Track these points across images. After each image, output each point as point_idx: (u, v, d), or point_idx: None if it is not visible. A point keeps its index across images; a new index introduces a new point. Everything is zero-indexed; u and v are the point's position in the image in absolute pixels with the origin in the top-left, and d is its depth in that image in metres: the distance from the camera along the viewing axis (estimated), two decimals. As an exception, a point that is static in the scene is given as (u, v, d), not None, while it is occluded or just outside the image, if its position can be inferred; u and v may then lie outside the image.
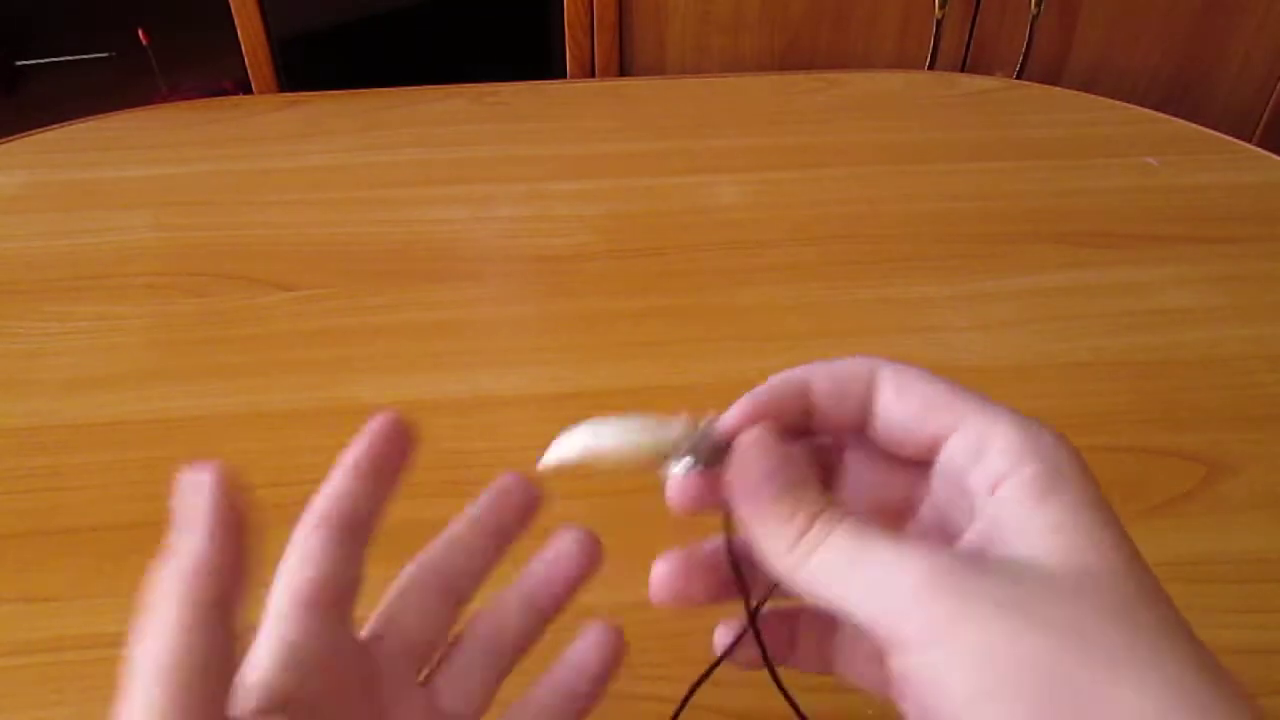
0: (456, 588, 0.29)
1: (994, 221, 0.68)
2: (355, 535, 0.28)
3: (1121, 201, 0.70)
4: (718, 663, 0.28)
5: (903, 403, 0.26)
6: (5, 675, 0.41)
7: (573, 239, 0.66)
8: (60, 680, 0.41)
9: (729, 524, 0.27)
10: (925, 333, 0.58)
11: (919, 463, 0.26)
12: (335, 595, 0.26)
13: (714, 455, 0.26)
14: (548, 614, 0.30)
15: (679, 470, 0.26)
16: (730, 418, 0.27)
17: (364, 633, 0.28)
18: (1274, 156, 0.75)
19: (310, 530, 0.28)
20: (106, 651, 0.42)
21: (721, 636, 0.28)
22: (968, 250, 0.65)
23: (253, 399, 0.54)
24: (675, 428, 0.26)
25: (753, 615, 0.27)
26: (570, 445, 0.28)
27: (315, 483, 0.49)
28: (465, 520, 0.30)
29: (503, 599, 0.30)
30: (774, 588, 0.27)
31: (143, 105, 0.84)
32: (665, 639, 0.40)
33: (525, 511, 0.31)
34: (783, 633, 0.28)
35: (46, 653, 0.42)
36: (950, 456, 0.25)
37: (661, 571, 0.27)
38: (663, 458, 0.26)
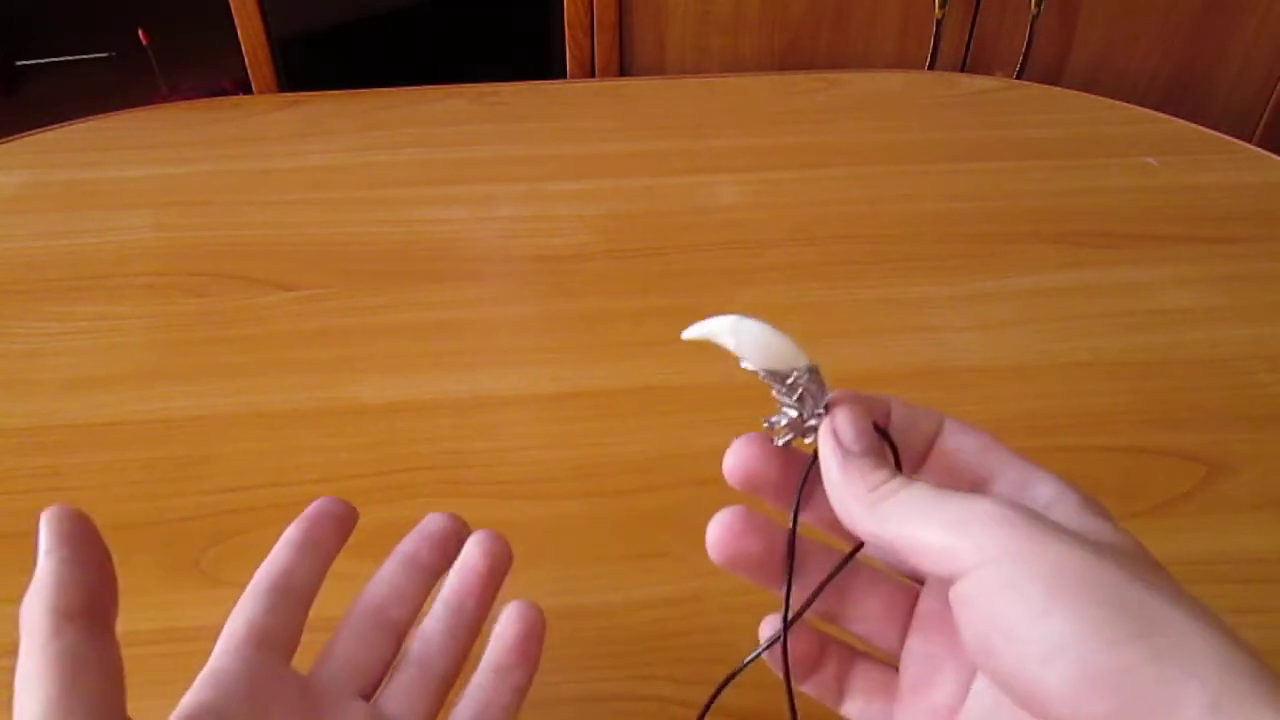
0: (385, 612, 0.32)
1: (994, 221, 0.68)
2: (292, 597, 0.31)
3: (1121, 201, 0.70)
4: (752, 658, 0.28)
5: (963, 438, 0.28)
6: (5, 675, 0.41)
7: (573, 239, 0.66)
8: (60, 680, 0.41)
9: (796, 513, 0.28)
10: (925, 333, 0.58)
11: None
12: (268, 637, 0.29)
13: (807, 429, 0.28)
14: (472, 619, 0.32)
15: (779, 441, 0.28)
16: (831, 396, 0.28)
17: (308, 671, 0.30)
18: (1274, 156, 0.75)
19: (252, 592, 0.31)
20: (106, 651, 0.42)
21: (765, 630, 0.29)
22: (968, 250, 0.65)
23: (253, 399, 0.54)
24: (803, 367, 0.28)
25: (788, 622, 0.28)
26: (719, 327, 0.30)
27: (315, 483, 0.49)
28: (395, 559, 0.33)
29: (431, 615, 0.32)
30: (817, 594, 0.28)
31: (143, 105, 0.84)
32: (665, 639, 0.40)
33: (449, 549, 0.34)
34: (813, 650, 0.29)
35: (46, 653, 0.42)
36: (1000, 489, 0.27)
37: (721, 526, 0.28)
38: (782, 383, 0.28)
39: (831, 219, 0.68)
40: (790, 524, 0.28)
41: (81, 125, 0.79)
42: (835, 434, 0.27)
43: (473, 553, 0.33)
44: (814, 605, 0.28)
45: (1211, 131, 0.78)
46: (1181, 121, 0.80)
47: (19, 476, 0.49)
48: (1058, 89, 0.86)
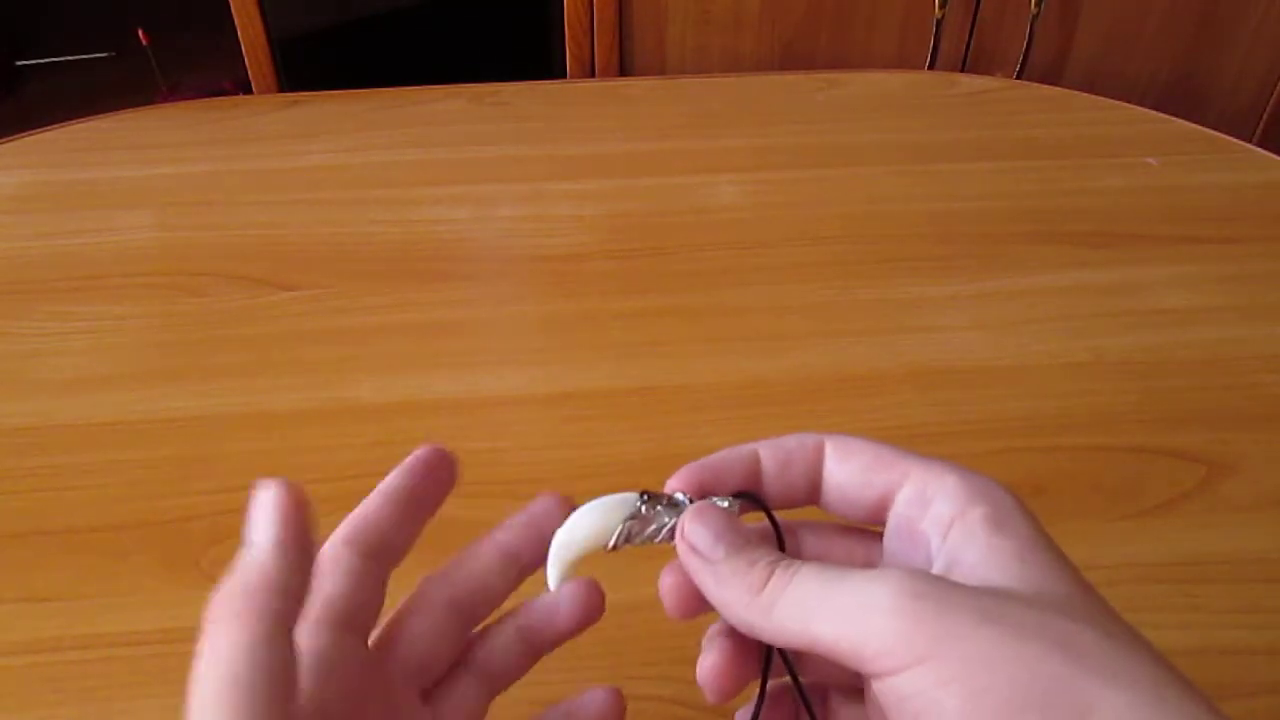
0: (469, 608, 0.29)
1: (994, 221, 0.68)
2: (382, 562, 0.28)
3: (1122, 201, 0.70)
4: None
5: (847, 466, 0.26)
6: (5, 675, 0.41)
7: (573, 239, 0.66)
8: (60, 680, 0.41)
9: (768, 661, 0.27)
10: (925, 333, 0.58)
11: (872, 530, 0.27)
12: (353, 617, 0.27)
13: (664, 532, 0.27)
14: (540, 653, 0.30)
15: (610, 545, 0.27)
16: (675, 482, 0.27)
17: (374, 638, 0.28)
18: (1274, 156, 0.75)
19: (338, 547, 0.28)
20: (106, 651, 0.42)
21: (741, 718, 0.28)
22: (968, 250, 0.65)
23: (253, 399, 0.54)
24: (629, 505, 0.27)
25: (761, 698, 0.27)
26: (560, 561, 0.28)
27: (315, 482, 0.49)
28: (488, 541, 0.30)
29: (502, 630, 0.30)
30: (762, 700, 0.27)
31: (143, 105, 0.84)
32: (665, 639, 0.40)
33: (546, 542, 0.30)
34: (789, 711, 0.28)
35: (46, 653, 0.42)
36: (899, 511, 0.26)
37: (709, 672, 0.27)
38: (640, 525, 0.27)
39: (831, 219, 0.68)
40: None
41: (81, 125, 0.79)
42: (693, 549, 0.25)
43: (570, 600, 0.29)
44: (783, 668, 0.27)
45: (1211, 131, 0.78)
46: (1181, 121, 0.80)
47: (19, 476, 0.49)
48: (1058, 89, 0.86)
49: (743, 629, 0.24)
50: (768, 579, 0.24)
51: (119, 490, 0.49)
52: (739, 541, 0.25)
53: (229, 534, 0.47)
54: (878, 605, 0.21)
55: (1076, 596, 0.22)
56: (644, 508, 0.27)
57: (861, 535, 0.28)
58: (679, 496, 0.27)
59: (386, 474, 0.50)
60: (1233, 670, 0.41)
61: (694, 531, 0.25)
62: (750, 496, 0.27)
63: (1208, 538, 0.47)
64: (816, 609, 0.23)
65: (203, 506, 0.48)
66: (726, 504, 0.27)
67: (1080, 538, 0.46)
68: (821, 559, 0.28)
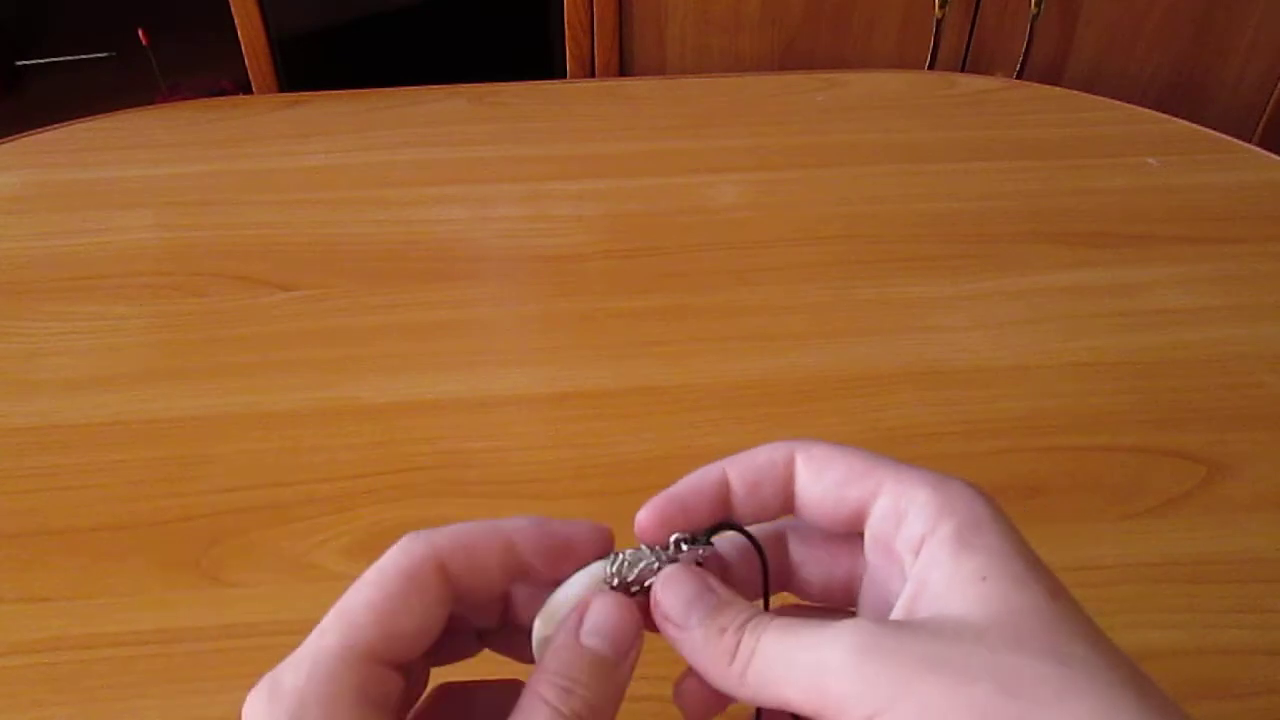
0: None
1: (994, 221, 0.68)
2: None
3: (1121, 201, 0.70)
4: None
5: (820, 481, 0.26)
6: (5, 675, 0.41)
7: (573, 239, 0.66)
8: (60, 680, 0.41)
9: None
10: (925, 333, 0.58)
11: (853, 537, 0.27)
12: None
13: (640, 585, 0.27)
14: None
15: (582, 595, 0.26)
16: (643, 517, 0.27)
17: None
18: (1274, 156, 0.75)
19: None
20: (106, 651, 0.42)
21: None
22: (968, 250, 0.65)
23: (253, 399, 0.54)
24: (597, 579, 0.27)
25: None
26: (543, 628, 0.27)
27: (315, 482, 0.49)
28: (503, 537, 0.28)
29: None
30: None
31: (143, 105, 0.84)
32: (665, 638, 0.40)
33: None
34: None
35: (46, 653, 0.42)
36: (875, 525, 0.26)
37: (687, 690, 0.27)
38: (621, 579, 0.27)
39: (831, 219, 0.68)
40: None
41: (81, 125, 0.79)
42: (666, 619, 0.25)
43: None
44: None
45: (1211, 131, 0.78)
46: (1181, 121, 0.80)
47: (19, 476, 0.49)
48: (1058, 89, 0.86)
49: (728, 694, 0.25)
50: (736, 647, 0.24)
51: (119, 490, 0.49)
52: (710, 606, 0.25)
53: (229, 534, 0.47)
54: (831, 666, 0.22)
55: (1037, 615, 0.22)
56: (613, 573, 0.26)
57: (845, 540, 0.28)
58: (644, 552, 0.27)
59: (386, 473, 0.50)
60: (1233, 670, 0.41)
61: (666, 601, 0.26)
62: (731, 527, 0.27)
63: (1208, 538, 0.47)
64: (781, 674, 0.23)
65: (203, 506, 0.48)
66: (702, 549, 0.27)
67: (1080, 538, 0.46)
68: (804, 567, 0.28)
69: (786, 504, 0.27)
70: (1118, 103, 0.83)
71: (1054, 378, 0.55)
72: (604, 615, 0.26)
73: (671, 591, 0.26)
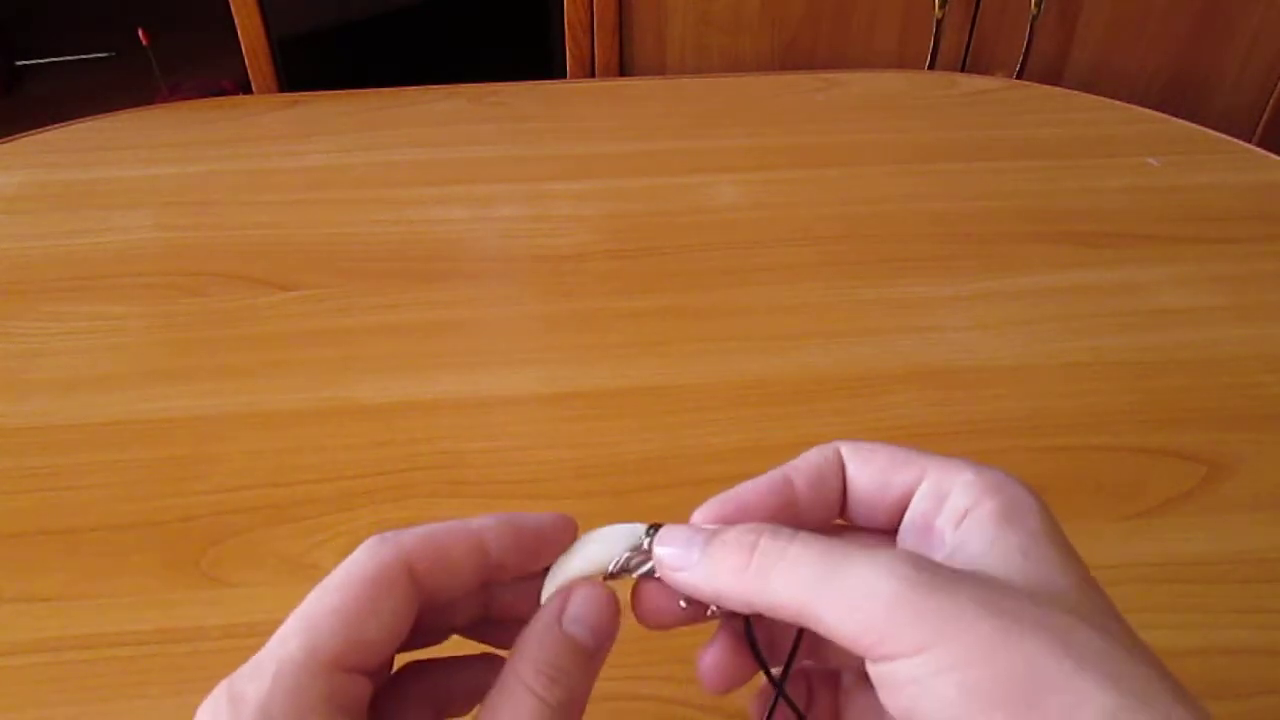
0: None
1: (994, 221, 0.68)
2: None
3: (1121, 201, 0.70)
4: None
5: (868, 470, 0.26)
6: (5, 675, 0.41)
7: (573, 239, 0.66)
8: (60, 680, 0.41)
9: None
10: (925, 333, 0.58)
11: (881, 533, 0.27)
12: None
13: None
14: None
15: (609, 572, 0.27)
16: (700, 518, 0.27)
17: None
18: (1274, 156, 0.75)
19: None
20: (106, 651, 0.42)
21: (755, 707, 0.28)
22: (968, 250, 0.65)
23: (253, 399, 0.54)
24: (635, 536, 0.27)
25: (779, 687, 0.27)
26: (556, 580, 0.28)
27: (315, 483, 0.49)
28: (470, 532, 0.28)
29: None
30: (792, 659, 0.27)
31: (143, 105, 0.84)
32: (665, 639, 0.40)
33: None
34: (801, 690, 0.28)
35: (46, 653, 0.42)
36: (916, 508, 0.26)
37: (709, 664, 0.27)
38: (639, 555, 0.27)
39: (831, 219, 0.68)
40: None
41: (81, 125, 0.79)
42: (673, 569, 0.25)
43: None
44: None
45: (1211, 131, 0.78)
46: (1181, 121, 0.80)
47: (19, 476, 0.49)
48: (1058, 89, 0.86)
49: (742, 609, 0.24)
50: (753, 548, 0.24)
51: (119, 490, 0.49)
52: (708, 534, 0.25)
53: (229, 534, 0.47)
54: (878, 593, 0.21)
55: (1077, 594, 0.22)
56: (647, 542, 0.27)
57: (867, 537, 0.28)
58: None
59: (385, 474, 0.50)
60: (1233, 670, 0.41)
61: (665, 553, 0.26)
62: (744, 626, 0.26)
63: (1208, 538, 0.47)
64: (815, 591, 0.22)
65: (203, 506, 0.48)
66: None
67: (1080, 538, 0.46)
68: None
69: (842, 500, 0.27)
70: (1118, 103, 0.83)
71: (1054, 378, 0.55)
72: (587, 604, 0.26)
73: (668, 542, 0.26)
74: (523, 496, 0.48)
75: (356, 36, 1.18)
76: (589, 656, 0.25)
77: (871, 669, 0.22)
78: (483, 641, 0.28)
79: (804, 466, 0.27)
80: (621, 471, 0.50)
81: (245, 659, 0.23)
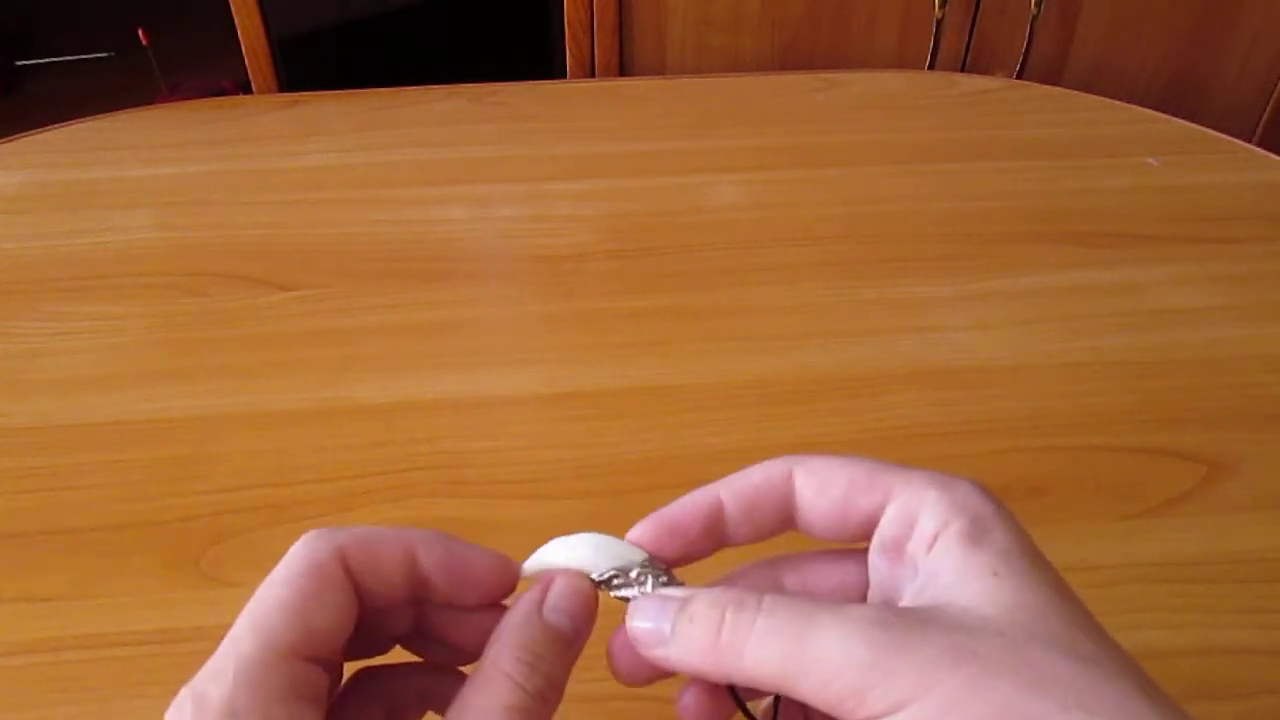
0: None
1: (994, 221, 0.68)
2: None
3: (1121, 201, 0.70)
4: None
5: (825, 497, 0.26)
6: (5, 675, 0.41)
7: (573, 239, 0.66)
8: (60, 680, 0.41)
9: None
10: (925, 333, 0.58)
11: (853, 549, 0.27)
12: None
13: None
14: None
15: (596, 578, 0.27)
16: (635, 535, 0.27)
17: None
18: (1274, 156, 0.75)
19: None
20: (106, 651, 0.42)
21: None
22: (968, 250, 0.65)
23: (253, 399, 0.54)
24: (631, 562, 0.27)
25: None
26: (544, 559, 0.27)
27: (315, 483, 0.49)
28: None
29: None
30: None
31: (143, 105, 0.84)
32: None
33: None
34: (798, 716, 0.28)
35: (46, 653, 0.42)
36: (886, 530, 0.25)
37: (688, 705, 0.27)
38: (626, 578, 0.27)
39: (831, 219, 0.68)
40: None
41: (81, 125, 0.79)
42: (643, 644, 0.25)
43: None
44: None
45: (1211, 131, 0.78)
46: (1181, 121, 0.80)
47: (19, 476, 0.49)
48: (1058, 89, 0.86)
49: (722, 681, 0.24)
50: (720, 624, 0.23)
51: (119, 490, 0.49)
52: (680, 604, 0.25)
53: (229, 534, 0.47)
54: (851, 659, 0.21)
55: (1048, 611, 0.22)
56: (636, 572, 0.26)
57: (840, 556, 0.27)
58: (651, 577, 0.26)
59: (385, 474, 0.50)
60: (1233, 670, 0.41)
61: (637, 629, 0.25)
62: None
63: (1208, 538, 0.47)
64: (788, 664, 0.22)
65: (203, 506, 0.48)
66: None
67: (1080, 538, 0.46)
68: (802, 590, 0.28)
69: (784, 522, 0.27)
70: (1118, 103, 0.83)
71: (1054, 378, 0.55)
72: (567, 594, 0.26)
73: (640, 616, 0.25)
74: (523, 496, 0.48)
75: (356, 36, 1.18)
76: (567, 644, 0.25)
77: None
78: (420, 655, 0.28)
79: (740, 486, 0.27)
80: (622, 471, 0.50)
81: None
